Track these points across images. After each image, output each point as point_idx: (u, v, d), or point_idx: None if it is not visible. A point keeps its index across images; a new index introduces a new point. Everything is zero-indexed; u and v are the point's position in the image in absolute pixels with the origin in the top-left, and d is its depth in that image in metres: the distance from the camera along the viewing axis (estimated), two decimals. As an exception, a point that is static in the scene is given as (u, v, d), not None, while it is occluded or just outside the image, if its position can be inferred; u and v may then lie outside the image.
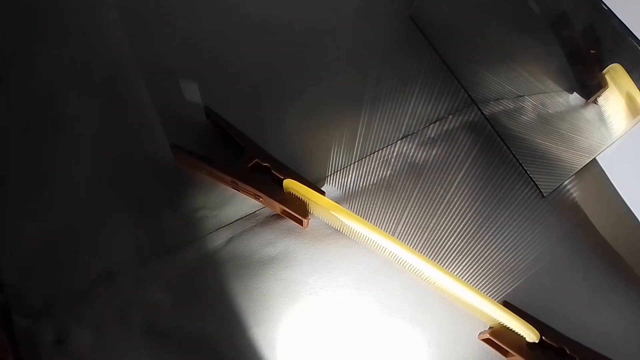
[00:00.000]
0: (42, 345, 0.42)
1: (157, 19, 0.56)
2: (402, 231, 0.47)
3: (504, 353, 0.42)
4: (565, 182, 0.49)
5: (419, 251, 0.46)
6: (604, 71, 0.42)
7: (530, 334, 0.40)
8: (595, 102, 0.44)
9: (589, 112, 0.45)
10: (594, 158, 0.45)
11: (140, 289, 0.44)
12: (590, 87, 0.44)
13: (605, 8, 0.39)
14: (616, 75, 0.41)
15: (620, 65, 0.40)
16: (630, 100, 0.41)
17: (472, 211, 0.48)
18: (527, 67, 0.49)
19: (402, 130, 0.52)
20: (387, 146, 0.51)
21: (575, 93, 0.46)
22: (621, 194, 0.45)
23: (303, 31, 0.56)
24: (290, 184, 0.44)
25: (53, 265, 0.45)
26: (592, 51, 0.43)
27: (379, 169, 0.50)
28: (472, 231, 0.47)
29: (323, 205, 0.43)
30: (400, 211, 0.48)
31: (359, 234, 0.44)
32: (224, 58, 0.54)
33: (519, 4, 0.47)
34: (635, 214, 0.45)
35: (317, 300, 0.44)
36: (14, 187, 0.47)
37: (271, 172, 0.46)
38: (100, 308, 0.44)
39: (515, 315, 0.40)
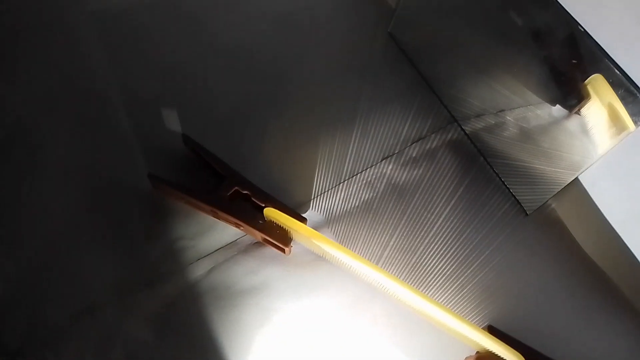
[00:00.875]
0: (21, 385, 0.41)
1: (134, 47, 0.55)
2: (385, 255, 0.47)
3: (490, 378, 0.42)
4: (549, 200, 0.49)
5: (402, 275, 0.46)
6: (585, 82, 0.41)
7: (514, 359, 0.40)
8: (578, 112, 0.44)
9: (572, 124, 0.45)
10: (577, 176, 0.45)
11: (120, 323, 0.43)
12: (572, 98, 0.44)
13: (582, 29, 0.39)
14: (598, 86, 0.41)
15: (601, 76, 0.40)
16: (612, 112, 0.41)
17: (455, 233, 0.48)
18: (508, 81, 0.49)
19: (384, 151, 0.51)
20: (369, 167, 0.51)
21: (557, 105, 0.45)
22: (603, 212, 0.45)
23: (280, 55, 0.56)
24: (270, 213, 0.44)
25: (30, 301, 0.44)
26: (573, 61, 0.43)
27: (361, 191, 0.50)
28: (455, 253, 0.47)
29: (304, 233, 0.43)
30: (383, 235, 0.48)
31: (341, 260, 0.43)
32: (201, 85, 0.53)
33: (499, 18, 0.47)
34: (618, 232, 0.44)
35: (300, 329, 0.44)
36: (-12, 221, 0.46)
37: (251, 199, 0.46)
38: (80, 344, 0.43)
39: (499, 341, 0.40)
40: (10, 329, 0.43)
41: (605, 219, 0.45)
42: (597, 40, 0.39)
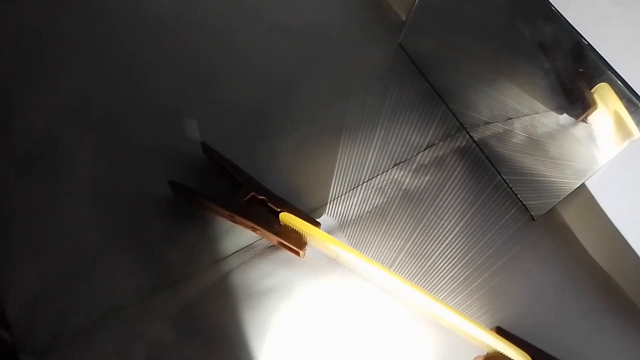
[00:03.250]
0: (49, 382, 0.43)
1: (155, 57, 0.57)
2: (396, 258, 0.48)
3: (499, 378, 0.43)
4: (556, 206, 0.50)
5: (412, 278, 0.47)
6: (592, 90, 0.43)
7: (522, 359, 0.41)
8: (584, 120, 0.45)
9: (579, 132, 0.46)
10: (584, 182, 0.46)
11: (142, 324, 0.45)
12: (578, 106, 0.45)
13: (585, 42, 0.41)
14: (604, 94, 0.42)
15: (608, 85, 0.41)
16: (618, 120, 0.42)
17: (464, 237, 0.49)
18: (515, 90, 0.50)
19: (395, 158, 0.53)
20: (380, 174, 0.52)
21: (564, 113, 0.46)
22: (610, 217, 0.46)
23: (294, 66, 0.58)
24: (286, 217, 0.46)
25: (57, 304, 0.46)
26: (580, 70, 0.44)
27: (373, 197, 0.51)
28: (464, 257, 0.48)
29: (318, 237, 0.45)
30: (394, 239, 0.49)
31: (354, 264, 0.45)
32: (219, 93, 0.55)
33: (506, 30, 0.48)
34: (625, 237, 0.45)
35: (316, 329, 0.45)
36: (17, 228, 0.48)
37: (267, 204, 0.47)
38: (105, 344, 0.45)
39: (507, 342, 0.41)
40: (40, 329, 0.45)
41: (612, 224, 0.46)
42: (600, 52, 0.40)
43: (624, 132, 0.41)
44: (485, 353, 0.44)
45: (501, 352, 0.42)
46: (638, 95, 0.38)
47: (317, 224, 0.47)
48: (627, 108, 0.40)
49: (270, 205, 0.47)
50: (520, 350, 0.41)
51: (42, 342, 0.45)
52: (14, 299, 0.46)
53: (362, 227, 0.50)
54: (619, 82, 0.39)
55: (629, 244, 0.45)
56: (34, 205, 0.49)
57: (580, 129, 0.46)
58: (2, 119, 0.53)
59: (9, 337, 0.44)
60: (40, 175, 0.51)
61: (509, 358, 0.42)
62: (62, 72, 0.56)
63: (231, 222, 0.49)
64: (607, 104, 0.42)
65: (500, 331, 0.44)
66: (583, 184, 0.46)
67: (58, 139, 0.53)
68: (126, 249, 0.48)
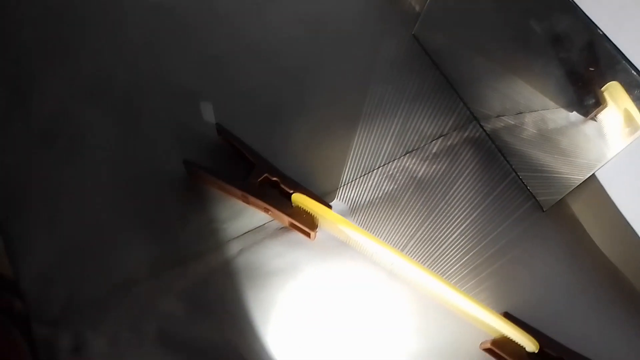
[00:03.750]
0: (60, 352, 0.44)
1: (173, 41, 0.58)
2: (405, 243, 0.49)
3: (505, 363, 0.44)
4: (565, 197, 0.50)
5: (422, 263, 0.48)
6: (602, 88, 0.43)
7: (529, 344, 0.41)
8: (594, 118, 0.45)
9: (588, 128, 0.46)
10: (593, 173, 0.46)
11: (154, 299, 0.46)
12: (589, 104, 0.45)
13: (600, 32, 0.41)
14: (615, 92, 0.43)
15: (618, 83, 0.42)
16: (628, 116, 0.42)
17: (474, 225, 0.50)
18: (528, 85, 0.50)
19: (407, 146, 0.54)
20: (392, 161, 0.53)
21: (574, 110, 0.47)
22: (620, 208, 0.47)
23: (309, 53, 0.59)
24: (298, 198, 0.46)
25: (70, 276, 0.46)
26: (591, 69, 0.45)
27: (384, 183, 0.52)
28: (474, 244, 0.49)
29: (330, 218, 0.45)
30: (404, 224, 0.50)
31: (365, 246, 0.46)
32: (235, 78, 0.56)
33: (520, 25, 0.49)
34: (634, 228, 0.46)
35: (324, 310, 0.46)
36: (33, 202, 0.49)
37: (280, 186, 0.48)
38: (116, 317, 0.45)
39: (515, 326, 0.42)
40: (52, 301, 0.46)
41: (621, 215, 0.46)
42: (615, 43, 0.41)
43: (634, 125, 0.42)
44: (492, 338, 0.44)
45: (508, 336, 0.42)
46: (652, 83, 0.39)
47: (329, 207, 0.47)
48: (638, 99, 0.40)
49: (283, 187, 0.48)
50: (527, 335, 0.42)
51: (54, 313, 0.45)
52: (28, 270, 0.46)
53: (373, 213, 0.50)
54: (633, 71, 0.40)
55: (637, 235, 0.45)
56: (51, 180, 0.50)
57: (589, 125, 0.46)
58: (23, 96, 0.54)
59: (23, 308, 0.45)
60: (59, 152, 0.51)
61: (515, 342, 0.42)
62: (83, 53, 0.57)
63: (244, 203, 0.50)
64: (617, 102, 0.43)
65: (508, 316, 0.45)
66: (592, 175, 0.47)
67: (77, 117, 0.53)
68: (140, 226, 0.49)
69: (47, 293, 0.46)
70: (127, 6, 0.60)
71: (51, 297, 0.46)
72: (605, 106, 0.44)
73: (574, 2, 0.42)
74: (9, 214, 0.48)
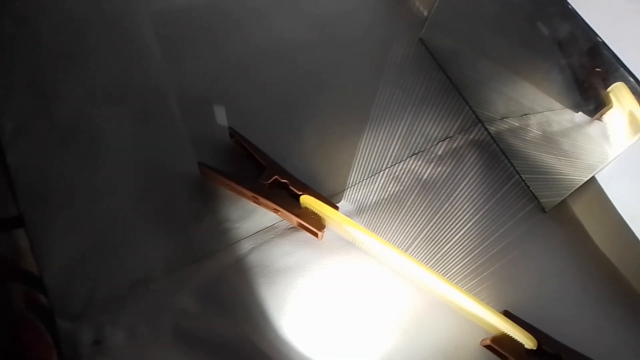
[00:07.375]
0: (82, 345, 0.46)
1: (187, 46, 0.60)
2: (410, 243, 0.51)
3: (504, 359, 0.45)
4: (566, 198, 0.51)
5: (426, 262, 0.50)
6: (608, 89, 0.44)
7: (528, 342, 0.43)
8: (599, 119, 0.46)
9: (593, 129, 0.47)
10: (594, 175, 0.48)
11: (170, 295, 0.48)
12: (594, 104, 0.46)
13: (600, 40, 0.42)
14: (620, 93, 0.44)
15: (624, 84, 0.42)
16: (632, 118, 0.43)
17: (477, 226, 0.51)
18: (533, 87, 0.51)
19: (412, 148, 0.55)
20: (397, 163, 0.55)
21: (579, 111, 0.48)
22: (619, 210, 0.48)
23: (319, 57, 0.60)
24: (306, 200, 0.48)
25: (91, 273, 0.49)
26: (597, 69, 0.45)
27: (389, 185, 0.54)
28: (477, 245, 0.50)
29: (337, 219, 0.47)
30: (408, 225, 0.51)
31: (370, 246, 0.47)
32: (247, 84, 0.58)
33: (526, 27, 0.50)
34: (633, 229, 0.47)
35: (330, 306, 0.48)
36: (56, 200, 0.52)
37: (289, 188, 0.50)
38: (134, 312, 0.48)
39: (515, 324, 0.43)
40: (73, 297, 0.48)
41: (620, 216, 0.47)
42: (615, 51, 0.42)
43: (635, 127, 0.43)
44: (492, 335, 0.46)
45: (508, 334, 0.44)
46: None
47: (336, 208, 0.49)
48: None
49: (292, 188, 0.50)
50: (527, 333, 0.43)
51: (75, 308, 0.48)
52: (51, 266, 0.49)
53: (379, 214, 0.52)
54: (631, 79, 0.41)
55: (635, 236, 0.46)
56: (72, 180, 0.53)
57: (594, 126, 0.47)
58: (46, 99, 0.56)
59: (47, 302, 0.48)
60: (79, 152, 0.54)
61: (514, 339, 0.44)
62: (102, 58, 0.59)
63: (254, 204, 0.52)
64: (622, 103, 0.43)
65: (508, 315, 0.46)
66: (593, 176, 0.48)
67: (96, 120, 0.56)
68: (156, 225, 0.51)
69: (69, 289, 0.48)
70: (143, 13, 0.62)
71: (73, 293, 0.48)
72: (611, 107, 0.45)
73: (574, 10, 0.44)
74: (34, 214, 0.51)
